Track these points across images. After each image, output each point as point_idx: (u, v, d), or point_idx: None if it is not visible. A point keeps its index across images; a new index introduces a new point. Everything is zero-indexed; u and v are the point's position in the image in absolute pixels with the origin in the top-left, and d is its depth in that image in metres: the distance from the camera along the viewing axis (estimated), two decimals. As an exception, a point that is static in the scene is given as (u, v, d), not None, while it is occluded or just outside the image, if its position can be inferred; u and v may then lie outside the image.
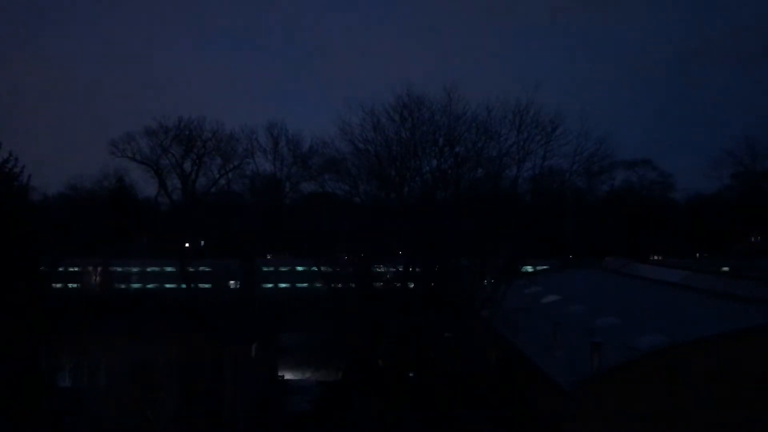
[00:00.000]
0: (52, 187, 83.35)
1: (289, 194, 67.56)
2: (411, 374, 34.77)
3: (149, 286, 71.33)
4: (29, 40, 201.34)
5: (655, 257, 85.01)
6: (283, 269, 74.36)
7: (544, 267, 56.17)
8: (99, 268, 71.56)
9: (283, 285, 72.62)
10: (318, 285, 52.23)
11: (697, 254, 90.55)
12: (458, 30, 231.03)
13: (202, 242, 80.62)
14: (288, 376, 40.68)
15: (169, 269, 70.50)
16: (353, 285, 39.17)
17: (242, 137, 68.75)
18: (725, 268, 66.72)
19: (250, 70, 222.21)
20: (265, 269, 71.86)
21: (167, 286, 69.57)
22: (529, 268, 51.67)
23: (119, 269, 72.72)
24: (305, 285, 67.78)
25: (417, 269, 36.97)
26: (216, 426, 30.10)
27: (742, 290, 29.92)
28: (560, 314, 35.09)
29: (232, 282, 66.33)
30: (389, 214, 36.92)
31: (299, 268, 71.56)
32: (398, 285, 37.34)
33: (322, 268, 42.98)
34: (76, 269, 67.12)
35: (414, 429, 28.93)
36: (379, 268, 39.27)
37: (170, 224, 73.29)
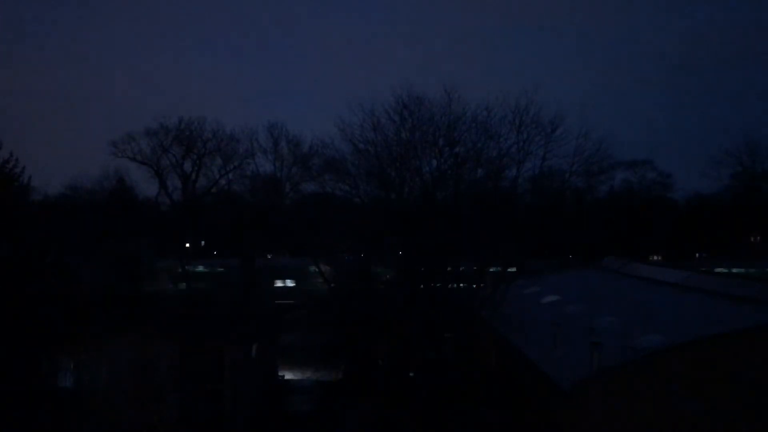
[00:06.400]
0: (52, 188, 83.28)
1: (290, 194, 67.53)
2: (411, 374, 34.82)
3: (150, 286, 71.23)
4: (29, 41, 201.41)
5: (655, 257, 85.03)
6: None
7: (543, 267, 56.16)
8: (99, 268, 71.44)
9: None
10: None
11: (697, 254, 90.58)
12: (459, 30, 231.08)
13: (203, 242, 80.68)
14: (288, 376, 40.71)
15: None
16: (353, 285, 39.22)
17: (242, 137, 68.73)
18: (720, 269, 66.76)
19: (251, 70, 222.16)
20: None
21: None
22: (529, 269, 51.68)
23: (120, 269, 72.54)
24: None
25: (417, 269, 37.02)
26: (216, 426, 30.14)
27: (742, 290, 29.94)
28: (560, 314, 35.12)
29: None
30: (389, 214, 36.98)
31: (219, 270, 71.19)
32: (398, 285, 37.39)
33: (323, 268, 43.06)
34: (76, 269, 66.97)
35: (414, 429, 28.96)
36: (379, 268, 39.33)
37: (171, 224, 73.30)
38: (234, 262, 67.35)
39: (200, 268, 71.35)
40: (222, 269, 69.08)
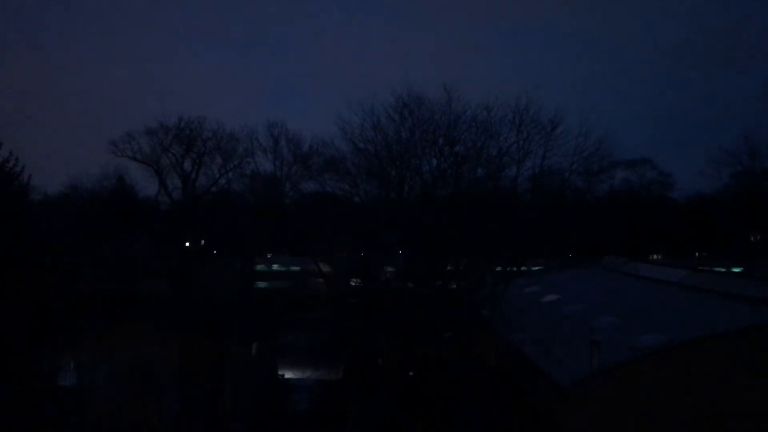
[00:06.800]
0: (52, 187, 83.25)
1: (289, 194, 67.48)
2: (411, 374, 34.80)
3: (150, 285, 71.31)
4: (30, 41, 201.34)
5: (655, 256, 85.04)
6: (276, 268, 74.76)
7: (544, 266, 56.15)
8: (99, 268, 71.44)
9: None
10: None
11: (697, 254, 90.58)
12: (458, 29, 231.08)
13: (203, 242, 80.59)
14: (288, 375, 40.69)
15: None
16: (353, 284, 39.21)
17: (242, 137, 68.65)
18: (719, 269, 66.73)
19: (250, 70, 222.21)
20: (259, 268, 71.92)
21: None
22: (529, 268, 51.68)
23: (120, 268, 72.59)
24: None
25: (417, 268, 37.01)
26: (216, 426, 30.14)
27: (743, 290, 29.93)
28: (560, 313, 35.13)
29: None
30: (389, 213, 36.96)
31: (294, 268, 71.79)
32: (398, 284, 37.37)
33: (323, 268, 43.03)
34: (76, 269, 67.05)
35: (414, 429, 28.95)
36: (379, 267, 39.29)
37: (170, 223, 73.31)
38: (307, 260, 67.75)
39: (275, 267, 72.21)
40: (297, 268, 69.70)
